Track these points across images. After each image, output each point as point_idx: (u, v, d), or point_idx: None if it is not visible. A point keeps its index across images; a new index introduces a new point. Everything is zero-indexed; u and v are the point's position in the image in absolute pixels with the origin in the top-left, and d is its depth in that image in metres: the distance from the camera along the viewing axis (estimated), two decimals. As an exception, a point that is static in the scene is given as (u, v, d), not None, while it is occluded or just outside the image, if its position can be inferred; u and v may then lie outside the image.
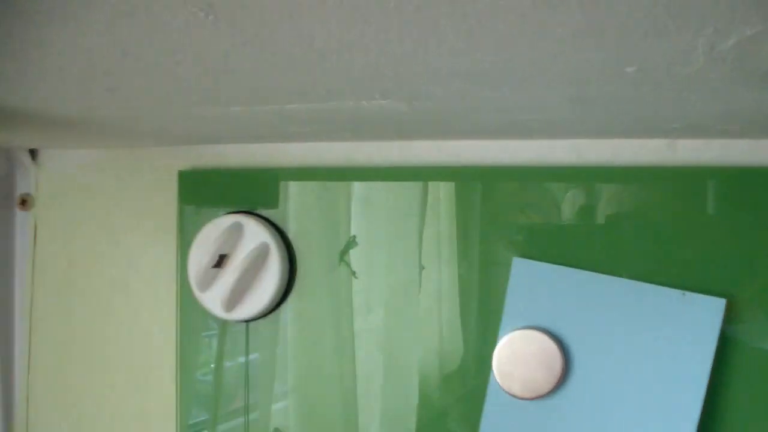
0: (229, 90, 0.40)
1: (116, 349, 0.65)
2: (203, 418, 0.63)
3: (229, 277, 0.57)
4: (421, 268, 0.57)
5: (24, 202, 0.68)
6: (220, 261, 0.58)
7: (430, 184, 0.57)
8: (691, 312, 0.49)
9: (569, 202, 0.53)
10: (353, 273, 0.59)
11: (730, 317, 0.49)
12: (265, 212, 0.59)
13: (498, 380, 0.52)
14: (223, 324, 0.61)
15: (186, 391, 0.62)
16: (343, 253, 0.58)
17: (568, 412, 0.51)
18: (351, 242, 0.59)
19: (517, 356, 0.51)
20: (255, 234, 0.58)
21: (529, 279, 0.52)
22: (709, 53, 0.30)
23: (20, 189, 0.68)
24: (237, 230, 0.58)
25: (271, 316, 0.59)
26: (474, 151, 0.55)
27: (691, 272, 0.50)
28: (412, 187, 0.57)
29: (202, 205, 0.62)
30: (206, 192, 0.62)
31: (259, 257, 0.57)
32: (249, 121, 0.49)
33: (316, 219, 0.60)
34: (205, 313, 0.60)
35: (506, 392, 0.52)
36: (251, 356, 0.61)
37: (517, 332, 0.52)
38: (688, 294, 0.50)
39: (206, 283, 0.58)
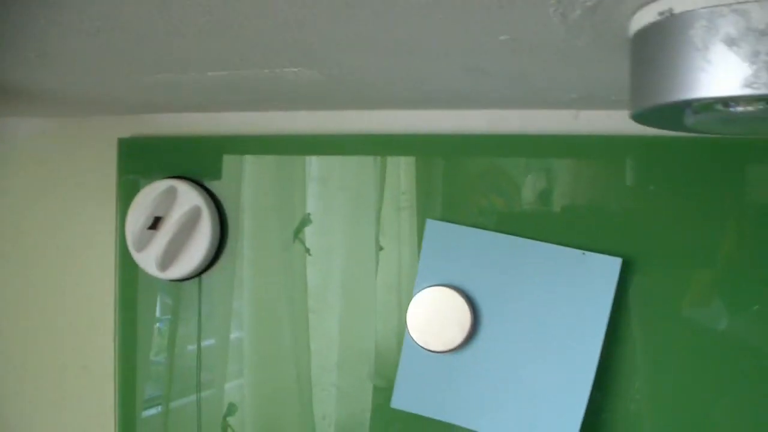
0: (150, 57, 0.43)
1: (60, 308, 0.68)
2: (144, 370, 0.65)
3: (162, 238, 0.60)
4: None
5: (-30, 168, 0.70)
6: (156, 223, 0.61)
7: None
8: (590, 270, 0.53)
9: (486, 171, 0.57)
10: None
11: (626, 276, 0.53)
12: (200, 179, 0.62)
13: (411, 334, 0.55)
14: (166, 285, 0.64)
15: (125, 346, 0.65)
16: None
17: (477, 364, 0.55)
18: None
19: (429, 312, 0.55)
20: (188, 197, 0.60)
21: (442, 240, 0.56)
22: (564, 22, 0.33)
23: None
24: (171, 194, 0.61)
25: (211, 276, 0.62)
26: (405, 120, 0.58)
27: (592, 234, 0.54)
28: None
29: (141, 172, 0.64)
30: (145, 159, 0.65)
31: (191, 220, 0.60)
32: (179, 89, 0.52)
33: (264, 191, 0.62)
34: (143, 273, 0.63)
35: (420, 346, 0.55)
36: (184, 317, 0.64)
37: (429, 289, 0.55)
38: (588, 253, 0.53)
39: (142, 244, 0.61)
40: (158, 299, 0.65)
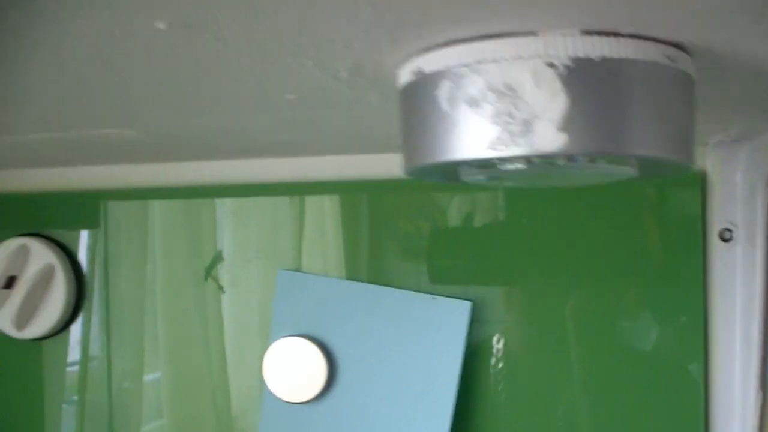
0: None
1: None
2: None
3: (16, 298, 0.58)
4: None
5: None
6: (10, 282, 0.59)
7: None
8: (441, 315, 0.53)
9: (334, 217, 0.56)
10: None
11: (477, 318, 0.53)
12: (54, 233, 0.60)
13: (268, 385, 0.55)
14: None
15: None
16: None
17: (336, 414, 0.54)
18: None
19: (284, 363, 0.54)
20: (40, 255, 0.59)
21: (293, 289, 0.55)
22: (339, 81, 0.33)
23: None
24: (24, 252, 0.59)
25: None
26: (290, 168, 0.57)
27: (441, 278, 0.54)
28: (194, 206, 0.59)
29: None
30: None
31: (44, 277, 0.59)
32: (17, 148, 0.50)
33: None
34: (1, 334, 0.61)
35: (277, 397, 0.55)
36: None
37: (283, 340, 0.54)
38: (438, 298, 0.53)
39: None
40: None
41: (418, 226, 0.55)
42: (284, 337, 0.55)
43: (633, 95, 0.27)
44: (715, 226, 0.52)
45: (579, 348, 0.53)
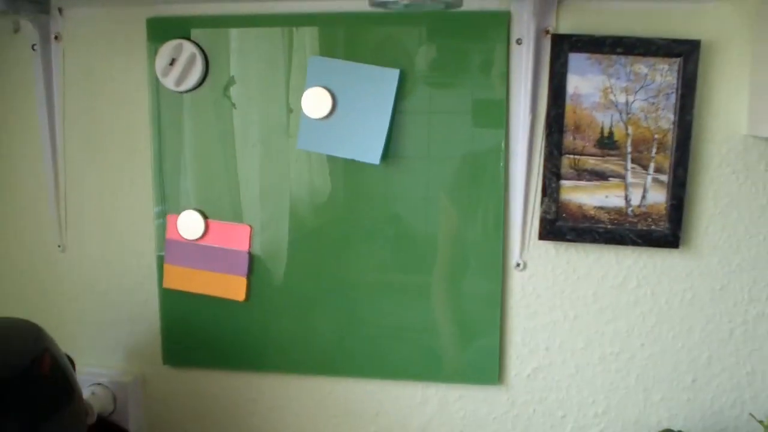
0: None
1: (115, 117, 1.25)
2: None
3: (176, 70, 1.17)
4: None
5: (56, 37, 1.24)
6: (172, 62, 1.18)
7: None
8: (381, 78, 1.13)
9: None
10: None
11: (403, 85, 1.13)
12: (193, 37, 1.19)
13: (303, 110, 1.15)
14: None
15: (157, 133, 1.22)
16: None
17: (335, 127, 1.15)
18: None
19: (311, 97, 1.14)
20: (188, 48, 1.17)
21: (317, 64, 1.14)
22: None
23: (53, 30, 1.25)
24: (179, 46, 1.17)
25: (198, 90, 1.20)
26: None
27: (382, 54, 1.13)
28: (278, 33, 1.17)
29: (160, 36, 1.20)
30: (162, 28, 1.20)
31: (190, 61, 1.17)
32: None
33: (225, 51, 1.19)
34: (164, 89, 1.20)
35: (306, 116, 1.15)
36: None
37: (311, 88, 1.14)
38: (376, 67, 1.13)
39: (165, 73, 1.18)
40: (172, 105, 1.22)
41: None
42: (312, 87, 1.15)
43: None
44: (513, 37, 1.11)
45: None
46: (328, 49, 1.14)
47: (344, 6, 1.13)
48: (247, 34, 1.16)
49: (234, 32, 1.16)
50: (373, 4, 0.87)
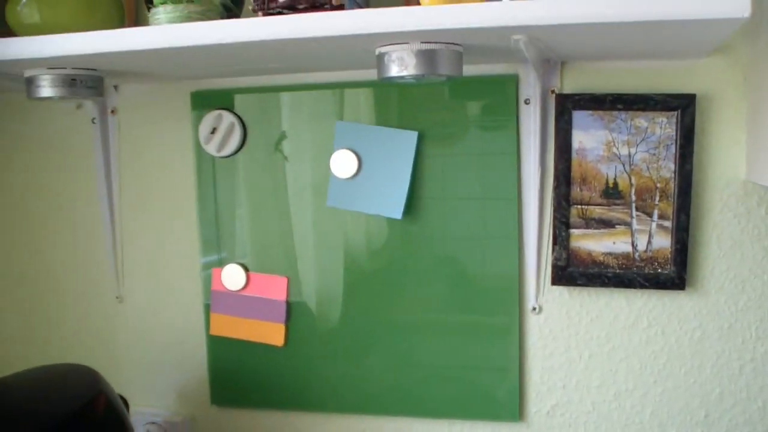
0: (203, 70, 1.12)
1: (165, 180, 1.38)
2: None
3: (217, 137, 1.30)
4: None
5: (113, 111, 1.39)
6: (214, 130, 1.31)
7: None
8: (401, 140, 1.23)
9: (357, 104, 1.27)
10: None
11: (421, 145, 1.23)
12: (233, 109, 1.32)
13: (332, 171, 1.26)
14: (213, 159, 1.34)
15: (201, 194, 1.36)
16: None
17: (361, 186, 1.26)
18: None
19: (339, 159, 1.25)
20: (227, 118, 1.30)
21: (344, 129, 1.26)
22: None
23: (110, 105, 1.40)
24: (219, 117, 1.31)
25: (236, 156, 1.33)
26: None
27: (402, 119, 1.24)
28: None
29: (202, 107, 1.33)
30: (204, 100, 1.34)
31: (229, 129, 1.30)
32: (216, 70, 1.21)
33: (260, 118, 1.32)
34: (207, 155, 1.33)
35: (336, 176, 1.26)
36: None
37: (339, 150, 1.26)
38: (397, 130, 1.24)
39: (207, 140, 1.31)
40: (215, 169, 1.35)
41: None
42: (340, 149, 1.26)
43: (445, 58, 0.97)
44: (522, 97, 1.21)
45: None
46: (353, 114, 1.25)
47: (366, 75, 1.24)
48: (282, 102, 1.29)
49: (271, 101, 1.29)
50: (381, 79, 0.98)
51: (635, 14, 0.82)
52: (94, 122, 1.37)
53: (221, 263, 1.33)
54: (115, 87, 1.37)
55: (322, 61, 1.15)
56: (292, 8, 1.00)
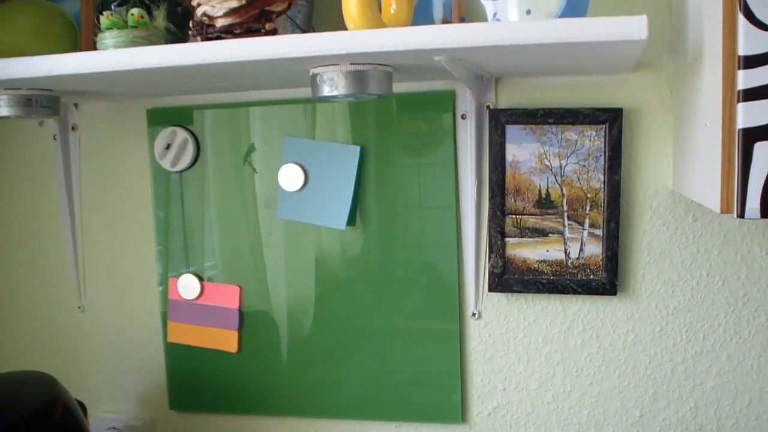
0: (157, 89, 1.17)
1: (123, 193, 1.44)
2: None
3: (171, 153, 1.36)
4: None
5: (73, 128, 1.45)
6: (168, 146, 1.37)
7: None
8: (345, 154, 1.29)
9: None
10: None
11: (364, 158, 1.29)
12: (187, 125, 1.37)
13: (280, 184, 1.31)
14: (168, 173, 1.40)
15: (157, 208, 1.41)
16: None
17: (306, 199, 1.31)
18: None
19: (287, 173, 1.31)
20: (181, 134, 1.36)
21: (292, 144, 1.31)
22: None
23: (71, 122, 1.45)
24: (173, 133, 1.36)
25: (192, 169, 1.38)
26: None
27: (347, 134, 1.30)
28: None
29: (158, 123, 1.39)
30: (160, 117, 1.40)
31: (183, 145, 1.36)
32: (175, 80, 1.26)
33: (214, 134, 1.38)
34: (162, 170, 1.38)
35: (284, 189, 1.32)
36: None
37: (286, 165, 1.31)
38: (340, 144, 1.29)
39: (162, 156, 1.37)
40: (170, 183, 1.41)
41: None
42: (287, 164, 1.31)
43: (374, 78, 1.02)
44: (458, 112, 1.27)
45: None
46: (300, 130, 1.31)
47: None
48: (235, 118, 1.34)
49: (224, 117, 1.34)
50: (314, 98, 1.03)
51: (542, 37, 0.88)
52: (55, 138, 1.42)
53: (177, 273, 1.38)
54: (76, 105, 1.42)
55: (264, 81, 1.20)
56: (229, 32, 1.05)
